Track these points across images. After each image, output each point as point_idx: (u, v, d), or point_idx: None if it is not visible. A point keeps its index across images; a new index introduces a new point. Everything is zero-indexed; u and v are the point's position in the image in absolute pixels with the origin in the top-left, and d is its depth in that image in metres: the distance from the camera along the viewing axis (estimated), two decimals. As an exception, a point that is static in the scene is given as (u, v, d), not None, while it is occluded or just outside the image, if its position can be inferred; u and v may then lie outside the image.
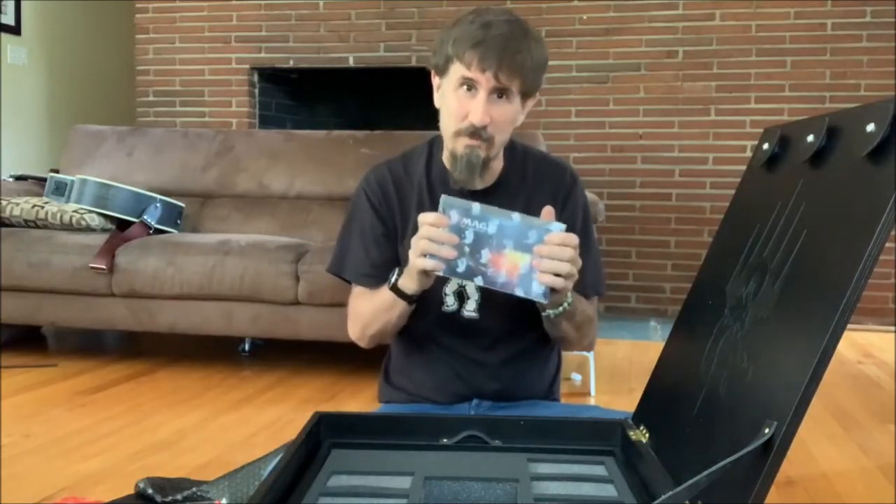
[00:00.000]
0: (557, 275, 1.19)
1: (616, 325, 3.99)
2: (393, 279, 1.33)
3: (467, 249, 1.20)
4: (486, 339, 1.43)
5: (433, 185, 1.43)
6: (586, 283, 1.41)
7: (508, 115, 1.32)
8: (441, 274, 1.22)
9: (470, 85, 1.28)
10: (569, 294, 1.29)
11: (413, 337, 1.48)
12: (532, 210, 1.40)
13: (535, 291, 1.20)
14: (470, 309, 1.41)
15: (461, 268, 1.21)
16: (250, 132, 4.15)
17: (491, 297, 1.39)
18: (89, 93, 5.25)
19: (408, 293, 1.32)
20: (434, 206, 1.40)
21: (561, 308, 1.31)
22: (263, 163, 3.59)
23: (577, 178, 1.48)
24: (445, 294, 1.41)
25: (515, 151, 1.45)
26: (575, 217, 1.44)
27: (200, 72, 4.74)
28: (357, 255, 1.46)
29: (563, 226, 1.21)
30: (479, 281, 1.21)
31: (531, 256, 1.19)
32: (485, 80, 1.27)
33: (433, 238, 1.19)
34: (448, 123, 1.34)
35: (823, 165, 0.94)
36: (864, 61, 4.03)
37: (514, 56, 1.26)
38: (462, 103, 1.30)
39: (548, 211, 1.26)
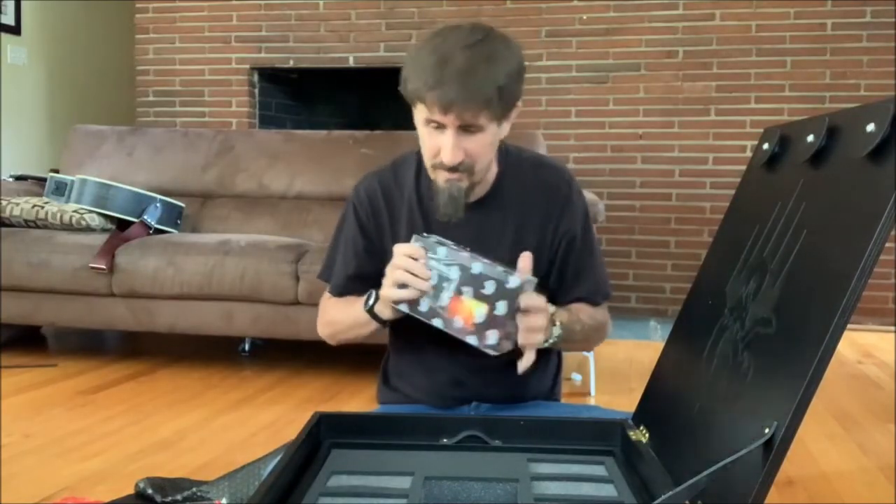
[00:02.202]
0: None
1: (616, 325, 3.95)
2: (370, 302, 1.32)
3: (431, 290, 1.20)
4: None
5: (422, 197, 1.41)
6: (596, 290, 1.43)
7: (484, 145, 1.28)
8: (403, 310, 1.23)
9: (437, 124, 1.25)
10: (555, 327, 1.29)
11: (411, 343, 1.47)
12: (531, 217, 1.39)
13: (488, 343, 1.22)
14: None
15: (423, 307, 1.22)
16: (250, 132, 4.15)
17: None
18: (89, 93, 5.24)
19: (383, 318, 1.32)
20: (424, 219, 1.40)
21: (548, 343, 1.30)
22: (263, 163, 3.59)
23: (574, 181, 1.45)
24: None
25: (510, 157, 1.42)
26: (575, 222, 1.42)
27: (200, 72, 4.74)
28: (339, 265, 1.48)
29: (521, 281, 1.20)
30: (437, 323, 1.22)
31: (487, 307, 1.19)
32: (449, 121, 1.23)
33: (408, 268, 1.20)
34: (425, 156, 1.33)
35: (823, 165, 0.94)
36: (864, 61, 4.03)
37: (475, 93, 1.20)
38: (433, 140, 1.28)
39: (525, 256, 1.24)
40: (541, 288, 1.42)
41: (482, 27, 1.26)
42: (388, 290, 1.24)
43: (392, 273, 1.22)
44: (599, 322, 1.44)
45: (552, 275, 1.42)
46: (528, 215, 1.40)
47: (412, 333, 1.46)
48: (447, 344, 1.44)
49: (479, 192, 1.38)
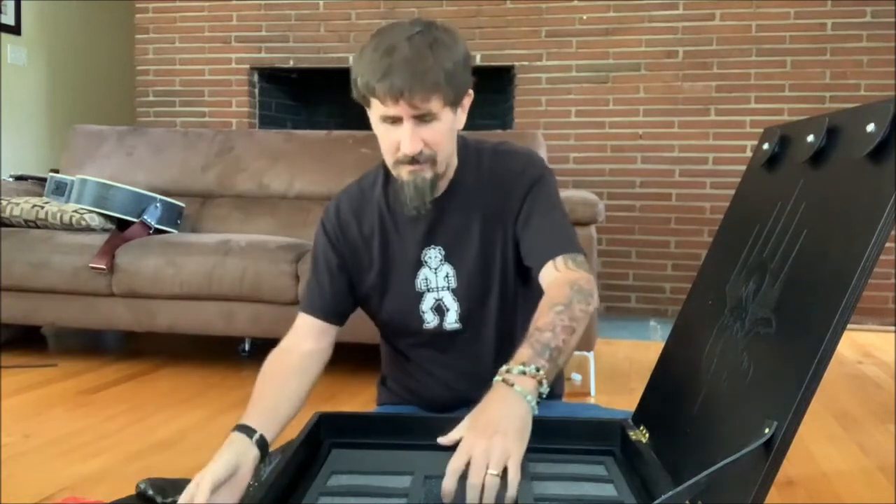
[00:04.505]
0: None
1: (616, 325, 3.99)
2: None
3: None
4: (474, 348, 1.42)
5: (391, 204, 1.41)
6: (562, 243, 1.31)
7: (442, 133, 1.27)
8: None
9: (392, 118, 1.25)
10: (516, 369, 1.09)
11: (402, 352, 1.48)
12: (494, 206, 1.37)
13: None
14: (451, 321, 1.40)
15: None
16: (250, 132, 4.14)
17: (471, 307, 1.39)
18: (89, 93, 5.24)
19: None
20: (396, 227, 1.39)
21: (542, 391, 1.10)
22: (263, 163, 3.58)
23: (533, 164, 1.39)
24: (423, 312, 1.40)
25: (468, 149, 1.40)
26: (534, 195, 1.36)
27: (200, 72, 4.74)
28: (312, 286, 1.48)
29: None
30: None
31: None
32: (403, 111, 1.23)
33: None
34: (385, 155, 1.32)
35: (823, 165, 0.94)
36: (864, 61, 4.03)
37: (423, 78, 1.20)
38: (391, 136, 1.27)
39: None
40: (519, 280, 1.40)
41: (422, 20, 1.28)
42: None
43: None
44: (570, 295, 1.22)
45: (524, 247, 1.36)
46: (491, 205, 1.37)
47: (402, 347, 1.47)
48: (436, 354, 1.44)
49: (442, 185, 1.37)
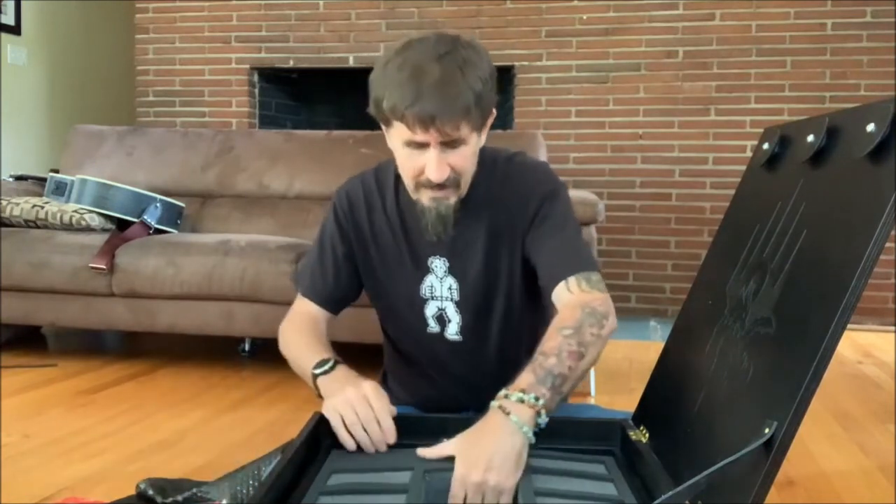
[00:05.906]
0: None
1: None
2: (318, 371, 1.27)
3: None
4: (473, 358, 1.42)
5: (402, 204, 1.38)
6: (571, 265, 1.28)
7: (467, 157, 1.24)
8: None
9: (419, 144, 1.20)
10: (512, 395, 1.09)
11: (405, 354, 1.48)
12: (501, 220, 1.34)
13: None
14: (452, 332, 1.40)
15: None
16: (250, 132, 4.14)
17: (473, 320, 1.38)
18: (89, 93, 5.24)
19: (319, 393, 1.28)
20: (405, 229, 1.38)
21: (541, 421, 1.09)
22: (263, 163, 3.58)
23: (545, 180, 1.37)
24: (427, 317, 1.40)
25: (485, 158, 1.36)
26: (546, 211, 1.34)
27: (200, 72, 4.74)
28: (314, 269, 1.46)
29: None
30: None
31: None
32: (431, 138, 1.18)
33: (361, 419, 1.15)
34: (405, 176, 1.28)
35: (823, 165, 0.94)
36: (864, 61, 4.03)
37: (454, 104, 1.15)
38: (415, 160, 1.22)
39: None
40: (528, 298, 1.40)
41: (448, 36, 1.22)
42: (332, 413, 1.17)
43: (349, 413, 1.16)
44: (580, 318, 1.20)
45: (536, 266, 1.34)
46: (500, 219, 1.35)
47: (405, 348, 1.47)
48: (436, 359, 1.44)
49: None
